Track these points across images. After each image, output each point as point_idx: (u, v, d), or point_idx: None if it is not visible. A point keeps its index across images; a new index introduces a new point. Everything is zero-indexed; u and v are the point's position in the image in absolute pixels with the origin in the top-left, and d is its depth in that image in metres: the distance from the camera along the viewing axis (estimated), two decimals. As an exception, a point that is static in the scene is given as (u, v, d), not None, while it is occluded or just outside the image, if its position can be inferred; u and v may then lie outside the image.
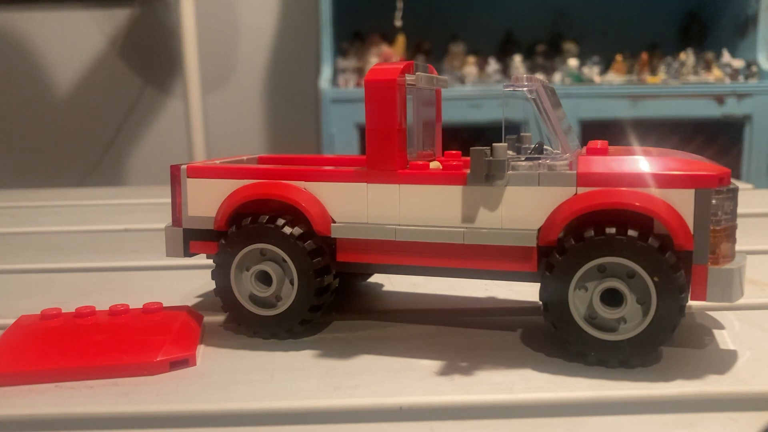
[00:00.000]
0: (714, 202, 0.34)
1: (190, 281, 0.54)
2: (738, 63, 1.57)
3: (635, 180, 0.35)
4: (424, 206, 0.39)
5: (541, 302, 0.37)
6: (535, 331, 0.41)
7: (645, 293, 0.35)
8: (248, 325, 0.41)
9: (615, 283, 0.35)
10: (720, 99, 1.49)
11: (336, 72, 1.65)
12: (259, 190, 0.41)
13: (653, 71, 1.60)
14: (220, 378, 0.35)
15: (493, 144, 0.37)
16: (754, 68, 1.55)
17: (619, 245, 0.35)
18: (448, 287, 0.49)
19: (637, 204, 0.35)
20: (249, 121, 2.06)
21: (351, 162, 0.49)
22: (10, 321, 0.41)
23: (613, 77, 1.58)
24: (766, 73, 1.55)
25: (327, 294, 0.41)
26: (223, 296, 0.41)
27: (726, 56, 1.58)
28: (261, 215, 0.40)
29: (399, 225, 0.39)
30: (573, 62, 1.53)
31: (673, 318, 0.34)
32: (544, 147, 0.40)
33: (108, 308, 0.41)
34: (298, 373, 0.36)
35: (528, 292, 0.48)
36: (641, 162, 0.36)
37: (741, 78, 1.56)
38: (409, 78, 0.40)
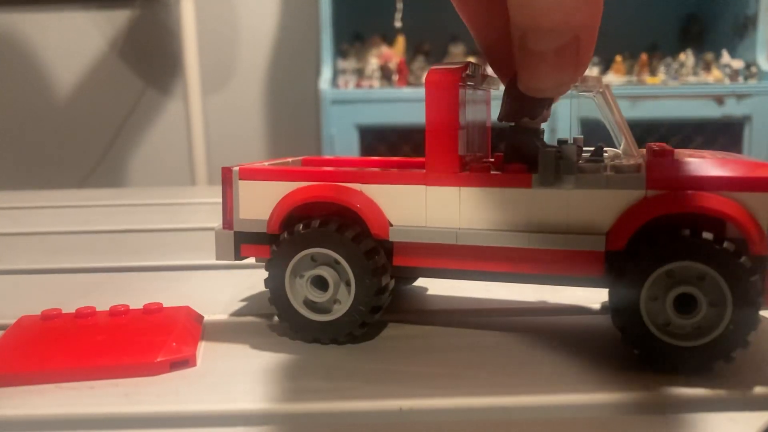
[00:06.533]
0: None
1: (190, 281, 0.54)
2: (737, 64, 1.57)
3: (708, 183, 0.34)
4: (486, 209, 0.38)
5: (610, 308, 0.36)
6: (536, 331, 0.41)
7: (720, 299, 0.34)
8: (305, 331, 0.40)
9: (689, 288, 0.34)
10: (720, 99, 1.49)
11: (336, 73, 1.66)
12: (315, 193, 0.40)
13: (653, 72, 1.60)
14: (220, 378, 0.35)
15: (563, 145, 0.36)
16: (753, 69, 1.55)
17: (693, 250, 0.33)
18: (448, 287, 0.49)
19: (712, 208, 0.34)
20: (249, 121, 2.06)
21: (400, 164, 0.47)
22: (11, 321, 0.41)
23: (613, 78, 1.58)
24: (766, 74, 1.55)
25: (385, 295, 0.40)
26: (278, 302, 0.40)
27: (725, 57, 1.58)
28: (315, 218, 0.39)
29: (460, 228, 0.38)
30: (573, 63, 1.53)
31: (749, 323, 0.33)
32: (604, 149, 0.39)
33: (108, 309, 0.41)
34: (298, 374, 0.36)
35: (528, 292, 0.48)
36: (712, 164, 0.35)
37: (740, 79, 1.56)
38: (469, 79, 0.39)
